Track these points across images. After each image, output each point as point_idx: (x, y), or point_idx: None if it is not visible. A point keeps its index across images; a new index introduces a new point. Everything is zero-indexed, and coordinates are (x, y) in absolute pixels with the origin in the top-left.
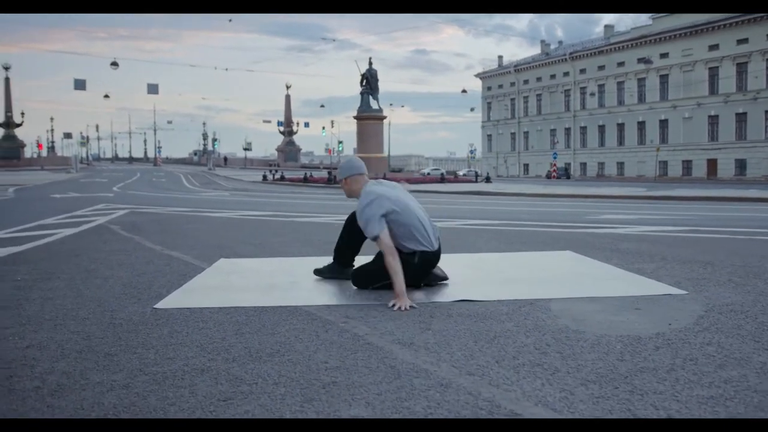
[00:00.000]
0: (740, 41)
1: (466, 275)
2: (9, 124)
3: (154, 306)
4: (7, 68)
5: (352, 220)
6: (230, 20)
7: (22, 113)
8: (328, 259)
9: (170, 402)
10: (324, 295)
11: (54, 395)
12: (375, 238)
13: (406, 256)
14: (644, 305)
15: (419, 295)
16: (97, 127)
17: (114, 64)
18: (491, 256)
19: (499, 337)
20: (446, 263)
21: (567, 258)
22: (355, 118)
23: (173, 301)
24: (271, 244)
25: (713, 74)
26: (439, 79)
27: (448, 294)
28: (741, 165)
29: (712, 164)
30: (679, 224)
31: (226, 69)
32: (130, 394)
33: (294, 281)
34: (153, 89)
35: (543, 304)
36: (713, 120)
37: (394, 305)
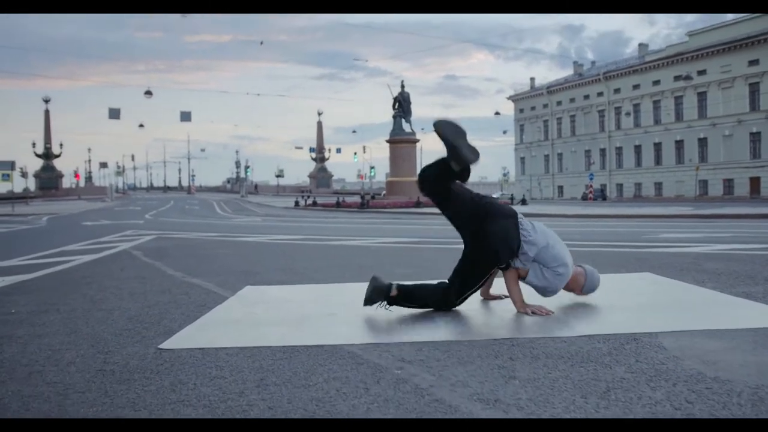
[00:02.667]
0: None
1: (537, 303)
2: (48, 155)
3: (159, 346)
4: (47, 101)
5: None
6: (261, 43)
7: (61, 144)
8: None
9: None
10: (369, 330)
11: None
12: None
13: None
14: None
15: (484, 330)
16: (132, 156)
17: (148, 92)
18: None
19: (614, 390)
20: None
21: (651, 281)
22: (387, 141)
23: (184, 339)
24: (304, 269)
25: (754, 90)
26: (470, 103)
27: (523, 327)
28: None
29: (754, 182)
30: (756, 242)
31: (258, 94)
32: None
33: (331, 313)
34: (186, 117)
35: (650, 339)
36: (755, 137)
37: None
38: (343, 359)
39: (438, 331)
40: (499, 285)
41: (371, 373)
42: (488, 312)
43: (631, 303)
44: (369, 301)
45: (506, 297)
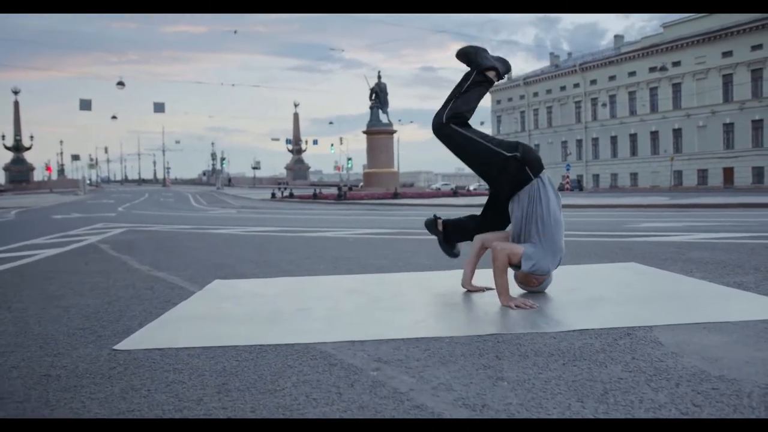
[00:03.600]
0: (754, 47)
1: (521, 295)
2: (18, 147)
3: (114, 347)
4: (16, 92)
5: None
6: (235, 32)
7: (31, 137)
8: (345, 277)
9: None
10: (344, 326)
11: None
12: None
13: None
14: None
15: (467, 326)
16: (106, 149)
17: (120, 83)
18: None
19: (612, 392)
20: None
21: (637, 271)
22: (364, 133)
23: (142, 338)
24: (278, 261)
25: (727, 81)
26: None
27: (509, 322)
28: (758, 173)
29: (728, 173)
30: (739, 231)
31: (232, 85)
32: None
33: (304, 308)
34: (159, 108)
35: (645, 334)
36: (728, 128)
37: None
38: (315, 360)
39: (417, 326)
40: (481, 277)
41: (345, 375)
42: (470, 305)
43: (620, 294)
44: (450, 254)
45: (489, 289)
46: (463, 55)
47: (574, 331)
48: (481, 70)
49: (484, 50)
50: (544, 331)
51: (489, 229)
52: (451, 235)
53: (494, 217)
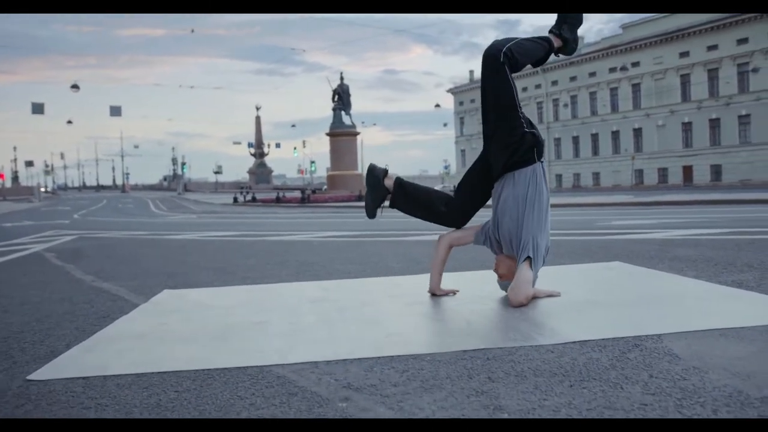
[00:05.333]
0: (710, 47)
1: (504, 300)
2: None
3: (28, 377)
4: None
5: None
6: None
7: None
8: (308, 284)
9: None
10: (306, 343)
11: None
12: None
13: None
14: None
15: (449, 339)
16: (62, 155)
17: (75, 86)
18: None
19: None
20: (471, 284)
21: (626, 271)
22: (328, 135)
23: (65, 365)
24: (236, 268)
25: (685, 81)
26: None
27: (496, 333)
28: (716, 171)
29: (687, 171)
30: (716, 227)
31: (191, 87)
32: None
33: (261, 321)
34: (116, 111)
35: (655, 345)
36: (687, 127)
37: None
38: (271, 388)
39: (392, 341)
40: (450, 279)
41: (307, 408)
42: (449, 314)
43: (613, 298)
44: (371, 210)
45: (457, 292)
46: (561, 14)
47: (573, 342)
48: (556, 34)
49: (579, 22)
50: (539, 344)
51: (458, 214)
52: (399, 200)
53: (467, 199)
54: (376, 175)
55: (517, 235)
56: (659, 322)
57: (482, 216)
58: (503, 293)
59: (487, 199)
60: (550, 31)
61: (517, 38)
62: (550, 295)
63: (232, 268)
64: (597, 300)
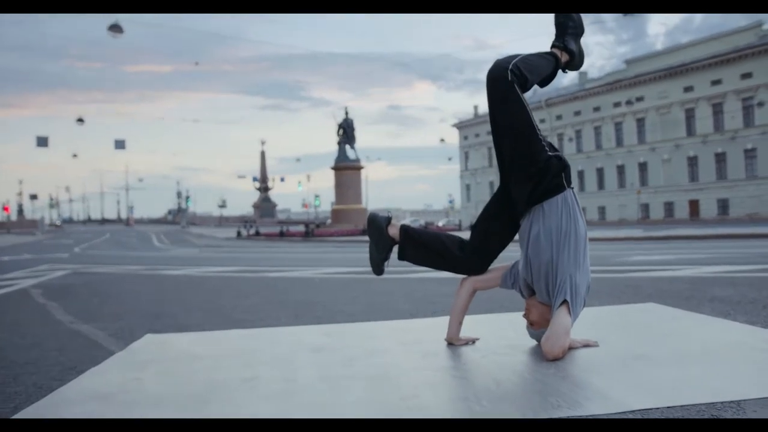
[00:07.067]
0: (714, 82)
1: (535, 351)
2: None
3: None
4: None
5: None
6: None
7: None
8: (309, 328)
9: None
10: (304, 407)
11: None
12: None
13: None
14: None
15: (472, 406)
16: (67, 188)
17: (80, 120)
18: None
19: None
20: (493, 330)
21: (667, 316)
22: (333, 168)
23: None
24: (231, 308)
25: (690, 115)
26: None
27: (534, 398)
28: (723, 204)
29: (693, 205)
30: (743, 263)
31: (194, 120)
32: None
33: (251, 377)
34: (120, 145)
35: (736, 413)
36: (692, 161)
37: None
38: None
39: (407, 406)
40: (469, 324)
41: None
42: (473, 369)
43: (662, 349)
44: (377, 267)
45: (477, 340)
46: (559, 24)
47: (633, 411)
48: (560, 47)
49: (580, 29)
50: (592, 414)
51: (477, 258)
52: (409, 251)
53: (485, 240)
54: (378, 225)
55: (552, 275)
56: (731, 383)
57: (510, 253)
58: (532, 341)
59: (509, 239)
60: (553, 46)
61: (521, 54)
62: (587, 345)
63: (226, 308)
64: (643, 352)
